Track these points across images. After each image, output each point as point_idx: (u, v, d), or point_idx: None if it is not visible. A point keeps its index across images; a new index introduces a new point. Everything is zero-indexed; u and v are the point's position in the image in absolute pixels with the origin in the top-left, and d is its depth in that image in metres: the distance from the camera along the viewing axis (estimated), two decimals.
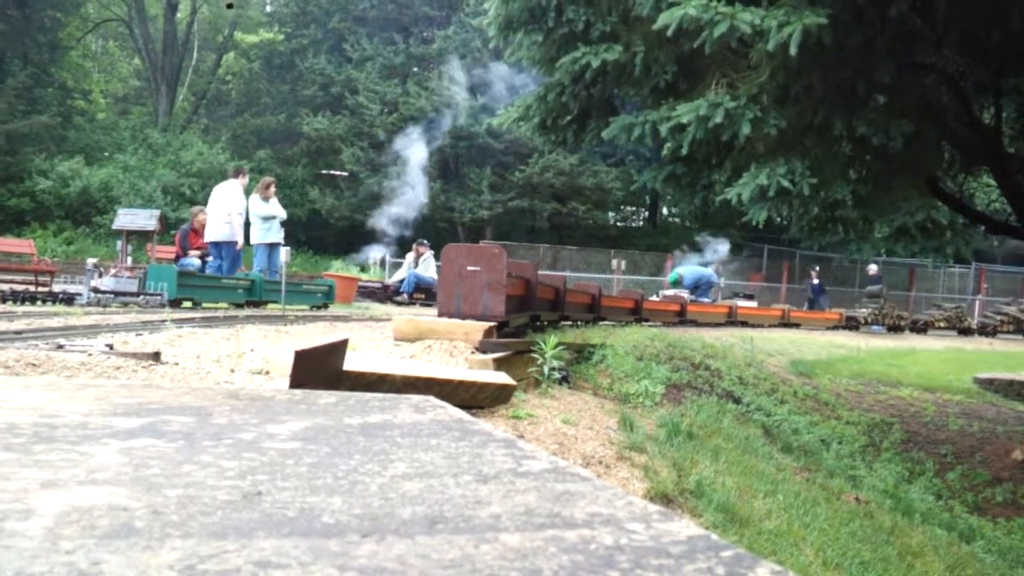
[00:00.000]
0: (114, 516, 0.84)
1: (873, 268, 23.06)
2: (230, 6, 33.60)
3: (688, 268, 19.06)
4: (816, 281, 24.29)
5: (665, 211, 38.89)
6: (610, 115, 8.27)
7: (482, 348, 4.62)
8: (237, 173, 11.68)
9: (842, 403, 9.93)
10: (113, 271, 10.14)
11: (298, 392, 1.90)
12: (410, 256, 16.39)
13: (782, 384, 9.65)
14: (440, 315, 5.30)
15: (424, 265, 15.72)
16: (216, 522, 0.84)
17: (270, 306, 10.69)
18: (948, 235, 7.49)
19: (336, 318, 8.94)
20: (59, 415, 1.39)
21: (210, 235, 11.17)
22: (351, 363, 2.94)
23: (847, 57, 6.91)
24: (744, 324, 16.53)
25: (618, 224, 38.13)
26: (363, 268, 21.42)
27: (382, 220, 23.16)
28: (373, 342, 5.23)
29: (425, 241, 16.76)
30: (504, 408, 3.76)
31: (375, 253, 22.18)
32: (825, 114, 7.53)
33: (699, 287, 18.07)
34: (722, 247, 24.67)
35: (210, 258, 11.09)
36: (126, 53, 40.24)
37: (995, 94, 8.48)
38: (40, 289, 10.06)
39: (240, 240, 11.10)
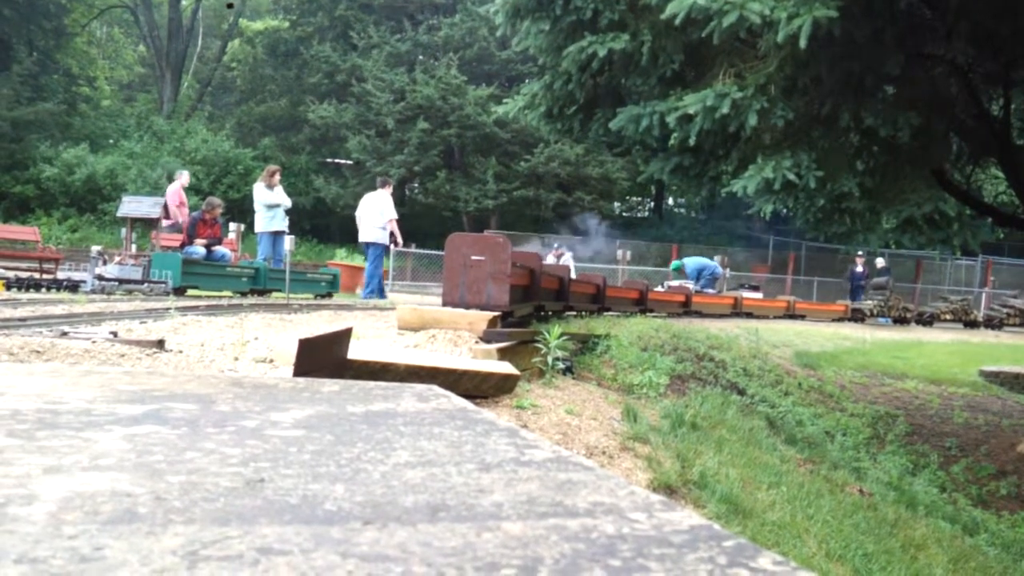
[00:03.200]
0: (117, 502, 0.84)
1: (880, 261, 22.93)
2: (230, 6, 33.58)
3: (692, 259, 19.01)
4: (860, 269, 22.27)
5: (671, 201, 38.85)
6: (617, 105, 8.24)
7: (486, 338, 4.62)
8: (384, 183, 13.01)
9: (847, 395, 9.92)
10: (117, 259, 10.16)
11: (301, 380, 1.90)
12: (550, 258, 17.66)
13: (787, 376, 9.65)
14: (444, 305, 5.30)
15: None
16: (219, 508, 0.84)
17: (274, 294, 10.71)
18: (955, 227, 7.46)
19: (340, 307, 8.95)
20: (63, 402, 1.39)
21: (363, 237, 12.62)
22: (355, 352, 2.94)
23: (856, 48, 6.87)
24: (749, 315, 16.50)
25: (624, 214, 38.12)
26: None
27: None
28: (377, 331, 5.24)
29: (562, 244, 17.69)
30: (508, 398, 3.76)
31: None
32: (833, 105, 7.50)
33: (701, 277, 18.02)
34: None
35: (216, 247, 11.11)
36: (131, 40, 40.23)
37: (1004, 86, 8.44)
38: (44, 276, 10.09)
39: (387, 241, 12.64)
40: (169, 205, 12.48)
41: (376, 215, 12.48)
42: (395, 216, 12.73)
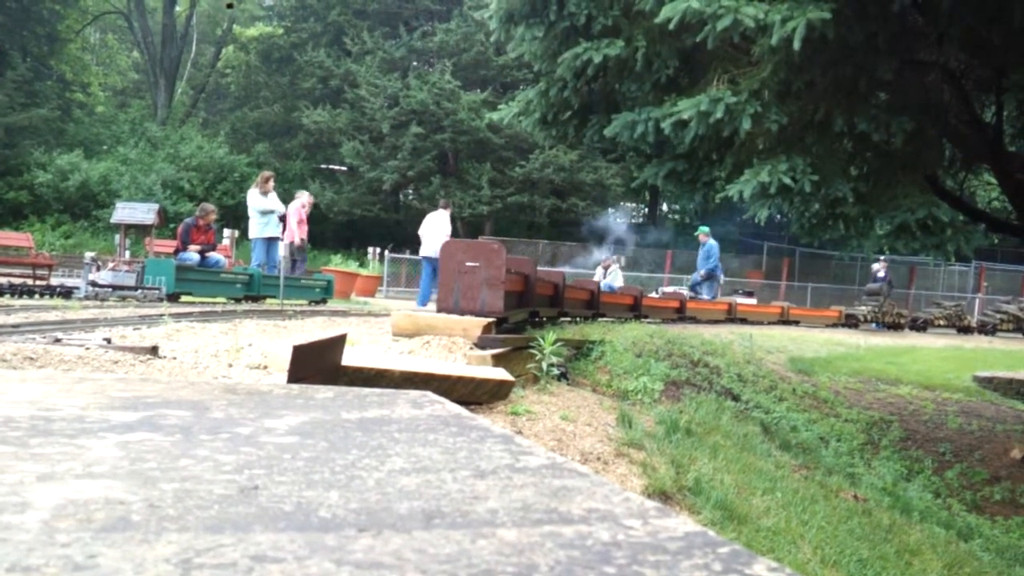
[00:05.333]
0: (110, 509, 0.84)
1: (876, 266, 22.90)
2: (230, 6, 33.57)
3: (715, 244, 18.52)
4: (883, 274, 21.30)
5: (665, 207, 38.92)
6: (611, 110, 8.25)
7: (481, 344, 4.61)
8: (445, 205, 14.37)
9: (841, 401, 9.93)
10: (111, 265, 10.14)
11: (296, 387, 1.90)
12: (599, 270, 18.00)
13: (781, 381, 9.65)
14: (439, 311, 5.30)
15: (612, 276, 17.50)
16: (212, 516, 0.83)
17: (268, 301, 10.69)
18: (948, 233, 7.47)
19: (335, 313, 8.95)
20: (56, 408, 1.39)
21: (425, 252, 13.73)
22: (349, 358, 2.94)
23: (849, 53, 6.90)
24: (743, 321, 16.53)
25: (618, 220, 38.15)
26: (362, 263, 21.42)
27: None
28: (372, 337, 5.23)
29: (612, 256, 18.51)
30: (502, 404, 3.76)
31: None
32: (826, 110, 7.51)
33: (709, 263, 17.54)
34: None
35: (210, 254, 11.09)
36: (125, 46, 40.22)
37: (996, 92, 8.46)
38: (38, 283, 10.06)
39: None
40: (289, 221, 13.43)
41: (439, 233, 13.45)
42: (449, 232, 13.77)
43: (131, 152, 28.54)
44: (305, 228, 13.54)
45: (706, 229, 17.96)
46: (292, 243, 13.49)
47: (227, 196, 27.20)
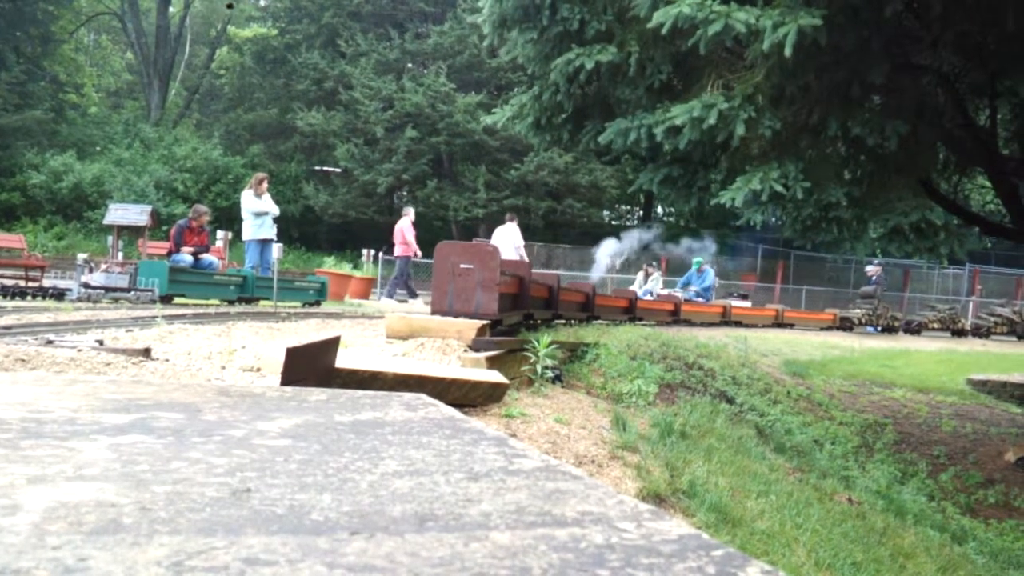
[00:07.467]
0: (102, 512, 0.84)
1: (870, 269, 22.91)
2: (230, 6, 33.54)
3: (708, 273, 19.08)
4: (875, 277, 21.04)
5: (660, 210, 38.96)
6: (606, 114, 8.25)
7: (475, 346, 4.61)
8: (511, 218, 15.44)
9: (835, 404, 9.95)
10: (104, 266, 10.11)
11: (289, 389, 1.89)
12: (640, 275, 18.70)
13: (776, 384, 9.66)
14: (433, 313, 5.29)
15: (653, 282, 18.31)
16: (204, 519, 0.83)
17: (262, 303, 10.66)
18: (942, 236, 7.49)
19: (328, 315, 8.93)
20: (47, 411, 1.38)
21: None
22: (343, 360, 2.93)
23: (842, 57, 6.92)
24: (738, 324, 16.54)
25: (613, 222, 38.18)
26: (356, 265, 21.37)
27: None
28: (365, 340, 5.22)
29: (652, 263, 19.56)
30: (497, 407, 3.75)
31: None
32: (820, 114, 7.53)
33: (703, 286, 18.24)
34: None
35: (203, 255, 11.06)
36: (119, 47, 40.16)
37: (990, 95, 8.50)
38: (30, 284, 10.03)
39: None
40: (406, 236, 15.21)
41: (509, 245, 14.32)
42: (522, 243, 15.03)
43: (124, 153, 28.47)
44: (414, 242, 15.42)
45: (701, 260, 19.04)
46: (411, 257, 15.54)
47: (221, 198, 27.14)
